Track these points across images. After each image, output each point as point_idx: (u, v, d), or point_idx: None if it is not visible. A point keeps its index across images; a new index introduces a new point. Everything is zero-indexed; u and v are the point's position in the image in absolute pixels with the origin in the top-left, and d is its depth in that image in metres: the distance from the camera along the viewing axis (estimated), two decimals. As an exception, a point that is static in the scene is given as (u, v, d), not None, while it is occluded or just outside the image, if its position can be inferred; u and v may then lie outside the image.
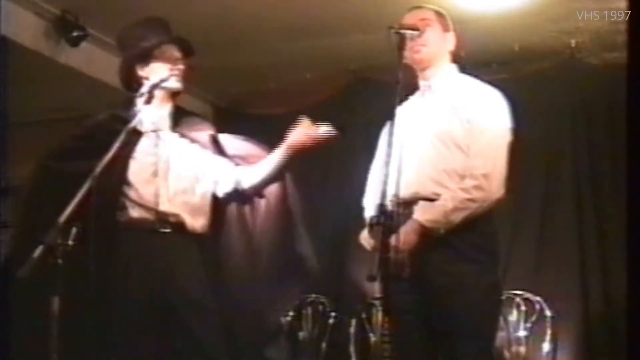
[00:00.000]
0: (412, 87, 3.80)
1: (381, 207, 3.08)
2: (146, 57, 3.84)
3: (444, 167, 3.55)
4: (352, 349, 6.53)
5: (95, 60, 6.10)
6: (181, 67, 3.85)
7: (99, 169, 3.25)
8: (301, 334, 6.85)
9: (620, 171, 5.92)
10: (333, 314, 6.75)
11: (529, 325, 6.07)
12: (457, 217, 3.45)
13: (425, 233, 3.46)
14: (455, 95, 3.66)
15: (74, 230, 3.04)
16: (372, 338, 6.43)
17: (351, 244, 6.63)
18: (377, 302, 6.23)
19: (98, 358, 3.53)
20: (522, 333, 6.07)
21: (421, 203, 3.54)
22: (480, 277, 3.52)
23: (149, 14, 4.00)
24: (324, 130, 3.74)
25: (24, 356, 3.62)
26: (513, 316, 6.08)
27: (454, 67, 3.82)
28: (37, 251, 2.96)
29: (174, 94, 3.89)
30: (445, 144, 3.56)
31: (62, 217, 3.05)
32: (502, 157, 3.58)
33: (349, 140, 7.11)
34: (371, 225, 3.21)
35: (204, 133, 3.97)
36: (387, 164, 3.19)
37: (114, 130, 3.59)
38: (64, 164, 3.73)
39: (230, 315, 3.81)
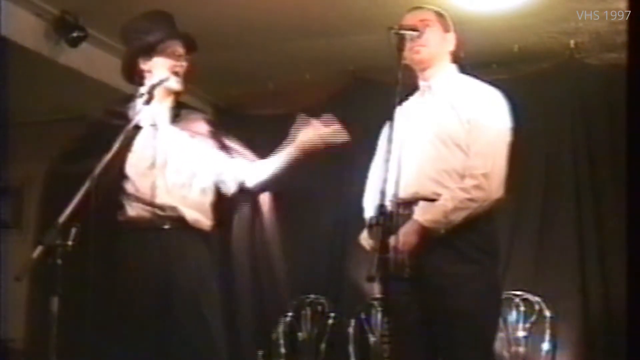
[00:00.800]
0: (412, 88, 3.80)
1: (380, 207, 3.09)
2: (149, 51, 3.84)
3: (444, 167, 3.55)
4: (351, 349, 6.52)
5: (94, 60, 6.10)
6: (184, 63, 3.86)
7: (97, 170, 3.25)
8: (300, 335, 6.84)
9: (620, 171, 5.92)
10: (332, 314, 6.75)
11: (528, 325, 6.07)
12: (457, 217, 3.46)
13: (426, 233, 3.47)
14: (455, 95, 3.66)
15: (73, 230, 3.04)
16: (371, 338, 6.43)
17: (350, 244, 6.64)
18: (376, 303, 6.23)
19: (98, 357, 3.54)
20: (521, 333, 6.06)
21: (421, 203, 3.54)
22: (480, 277, 3.52)
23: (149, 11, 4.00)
24: (333, 130, 3.75)
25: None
26: (512, 316, 6.08)
27: (454, 67, 3.83)
28: (36, 251, 2.97)
29: (174, 90, 3.89)
30: (445, 144, 3.57)
31: (62, 218, 3.05)
32: (502, 157, 3.58)
33: (349, 141, 7.14)
34: (370, 226, 3.21)
35: (205, 128, 3.97)
36: (386, 164, 3.19)
37: (112, 125, 3.62)
38: (70, 166, 3.73)
39: (232, 314, 3.83)
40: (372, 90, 6.61)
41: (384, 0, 5.34)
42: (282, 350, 6.78)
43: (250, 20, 5.99)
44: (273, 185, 3.97)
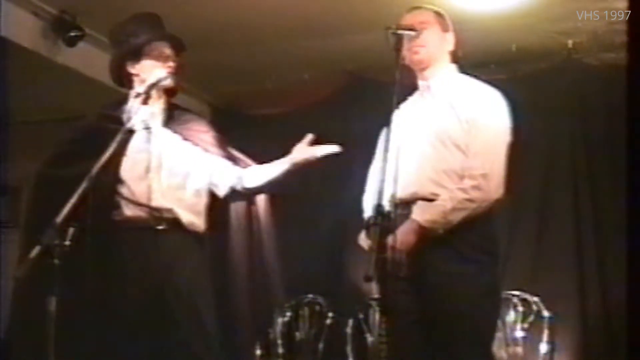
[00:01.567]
0: (411, 88, 3.80)
1: (378, 207, 3.08)
2: (137, 54, 3.83)
3: (443, 167, 3.55)
4: (349, 349, 6.52)
5: (92, 60, 6.09)
6: (172, 64, 3.84)
7: (95, 169, 3.26)
8: (298, 335, 6.84)
9: (618, 171, 5.92)
10: (330, 314, 6.75)
11: (526, 325, 6.07)
12: (456, 217, 3.45)
13: (424, 233, 3.47)
14: (454, 95, 3.65)
15: (71, 230, 3.04)
16: (369, 338, 6.42)
17: (348, 244, 6.64)
18: (374, 303, 6.22)
19: (95, 357, 3.54)
20: (519, 334, 6.06)
21: (420, 203, 3.54)
22: (479, 277, 3.52)
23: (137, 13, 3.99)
24: (326, 149, 3.76)
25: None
26: (510, 317, 6.07)
27: (453, 67, 3.82)
28: (34, 251, 2.97)
29: (168, 92, 3.88)
30: (444, 144, 3.56)
31: (59, 218, 3.05)
32: (501, 157, 3.58)
33: (347, 141, 7.14)
34: (368, 226, 3.21)
35: (198, 130, 3.97)
36: (384, 164, 3.19)
37: (104, 129, 3.63)
38: (61, 170, 3.74)
39: (229, 314, 3.83)
40: (370, 90, 6.60)
41: (381, 0, 5.34)
42: (280, 350, 6.78)
43: (249, 20, 5.99)
44: (265, 191, 3.96)
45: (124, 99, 3.86)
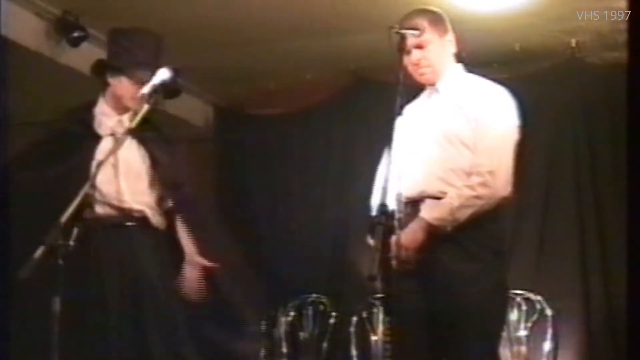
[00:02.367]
0: (414, 87, 3.78)
1: (382, 206, 3.09)
2: (119, 71, 3.88)
3: (451, 166, 3.54)
4: (352, 348, 6.52)
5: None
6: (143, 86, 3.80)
7: (94, 169, 3.33)
8: (302, 334, 6.85)
9: (621, 170, 5.91)
10: (334, 313, 6.75)
11: (529, 324, 6.07)
12: (463, 214, 3.45)
13: (432, 231, 3.47)
14: (461, 95, 3.64)
15: (75, 230, 3.07)
16: (373, 337, 6.43)
17: (352, 243, 6.66)
18: (378, 302, 6.23)
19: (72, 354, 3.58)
20: (522, 332, 6.07)
21: (428, 201, 3.53)
22: (486, 276, 3.51)
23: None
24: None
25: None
26: (514, 316, 6.08)
27: (459, 67, 3.80)
28: (38, 251, 2.98)
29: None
30: (452, 143, 3.55)
31: (63, 218, 3.07)
32: (508, 154, 3.57)
33: (350, 140, 7.15)
34: (372, 225, 3.21)
35: (161, 147, 4.02)
36: (389, 164, 3.19)
37: (71, 132, 3.71)
38: (27, 172, 3.81)
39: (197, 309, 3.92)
40: (373, 90, 6.62)
41: (384, 0, 5.34)
42: (284, 349, 6.80)
43: (251, 20, 5.99)
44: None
45: (93, 103, 3.92)
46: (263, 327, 6.66)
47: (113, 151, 3.57)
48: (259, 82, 7.14)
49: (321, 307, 6.85)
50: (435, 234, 3.47)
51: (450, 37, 3.76)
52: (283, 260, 6.95)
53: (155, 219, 3.91)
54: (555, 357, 6.01)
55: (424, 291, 3.53)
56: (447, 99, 3.67)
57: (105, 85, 3.93)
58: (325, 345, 6.70)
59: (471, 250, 3.51)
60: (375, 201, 3.82)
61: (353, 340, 6.53)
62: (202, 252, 3.89)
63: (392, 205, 3.18)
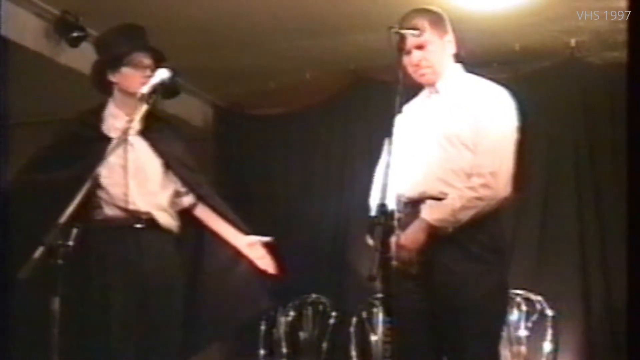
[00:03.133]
0: (414, 87, 3.78)
1: (381, 206, 3.08)
2: (117, 63, 3.94)
3: (451, 166, 3.54)
4: (352, 348, 6.52)
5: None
6: (150, 73, 3.89)
7: (97, 169, 3.33)
8: (302, 334, 6.85)
9: (621, 169, 5.91)
10: (334, 313, 6.75)
11: (529, 325, 6.07)
12: (465, 215, 3.45)
13: (433, 232, 3.47)
14: (461, 95, 3.64)
15: (74, 230, 3.07)
16: (373, 338, 6.43)
17: (351, 243, 6.66)
18: (377, 302, 6.23)
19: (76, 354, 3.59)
20: (523, 333, 6.06)
21: (429, 202, 3.53)
22: (487, 276, 3.52)
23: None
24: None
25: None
26: (514, 316, 6.07)
27: (459, 67, 3.80)
28: (38, 252, 2.99)
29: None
30: (452, 144, 3.55)
31: (63, 218, 3.08)
32: (509, 155, 3.57)
33: (350, 140, 7.15)
34: (372, 225, 3.20)
35: (170, 142, 4.08)
36: (388, 164, 3.19)
37: (81, 135, 3.75)
38: (39, 175, 3.84)
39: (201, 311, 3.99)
40: (373, 90, 6.61)
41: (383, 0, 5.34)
42: (284, 349, 6.80)
43: (251, 20, 5.99)
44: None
45: (102, 106, 3.95)
46: (262, 327, 6.69)
47: (112, 151, 3.57)
48: (258, 81, 7.14)
49: (321, 307, 6.85)
50: (436, 235, 3.48)
51: (450, 37, 3.75)
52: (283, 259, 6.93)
53: (164, 220, 3.94)
54: (555, 357, 6.01)
55: (425, 291, 3.54)
56: (447, 99, 3.67)
57: (110, 86, 3.97)
58: (325, 345, 6.70)
59: (472, 251, 3.51)
60: (374, 201, 3.82)
61: (353, 340, 6.53)
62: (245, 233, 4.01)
63: (391, 205, 3.18)
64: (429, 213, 3.51)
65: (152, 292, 3.80)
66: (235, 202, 7.33)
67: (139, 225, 3.85)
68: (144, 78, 3.84)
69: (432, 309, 3.53)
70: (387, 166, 3.18)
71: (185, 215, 4.08)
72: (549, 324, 6.01)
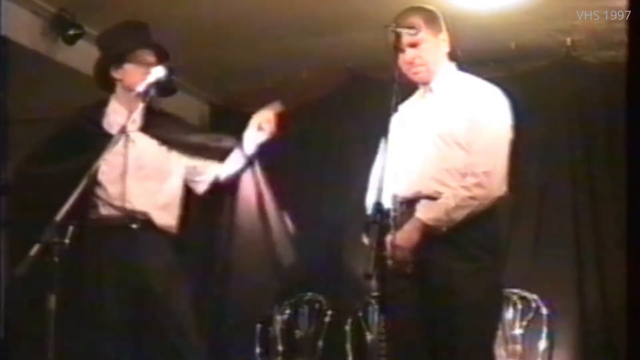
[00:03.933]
0: (409, 85, 3.78)
1: (377, 205, 3.09)
2: (120, 60, 3.94)
3: (446, 166, 3.54)
4: (348, 347, 6.53)
5: (91, 58, 6.06)
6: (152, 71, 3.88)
7: (94, 168, 3.32)
8: (297, 333, 6.85)
9: (616, 168, 5.93)
10: (329, 312, 6.75)
11: (525, 323, 6.08)
12: (459, 215, 3.45)
13: (428, 231, 3.47)
14: (455, 94, 3.64)
15: (70, 228, 3.07)
16: (369, 336, 6.43)
17: (347, 242, 6.66)
18: (373, 300, 6.23)
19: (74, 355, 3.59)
20: (518, 331, 6.07)
21: (423, 201, 3.53)
22: (481, 276, 3.51)
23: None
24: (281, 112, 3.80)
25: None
26: (509, 314, 6.08)
27: (452, 66, 3.80)
28: (34, 249, 2.98)
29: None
30: (446, 143, 3.55)
31: (59, 216, 3.07)
32: (503, 154, 3.57)
33: (346, 138, 7.15)
34: (367, 224, 3.20)
35: (175, 132, 4.06)
36: (384, 162, 3.20)
37: (82, 130, 3.73)
38: (39, 168, 3.83)
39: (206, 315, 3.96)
40: (369, 88, 6.62)
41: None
42: (280, 347, 6.80)
43: (247, 18, 5.99)
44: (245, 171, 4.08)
45: (104, 102, 3.94)
46: (258, 326, 6.68)
47: (110, 148, 3.55)
48: (254, 79, 7.13)
49: (317, 306, 6.85)
50: (430, 234, 3.47)
51: (444, 36, 3.76)
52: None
53: (162, 220, 3.91)
54: (550, 356, 6.02)
55: (420, 291, 3.53)
56: (441, 98, 3.67)
57: (113, 82, 3.97)
58: (320, 343, 6.70)
59: (467, 250, 3.50)
60: (370, 200, 3.83)
61: (348, 339, 6.54)
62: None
63: (387, 204, 3.18)
64: (423, 212, 3.51)
65: (148, 293, 3.79)
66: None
67: (134, 226, 3.84)
68: (147, 75, 3.83)
69: (427, 308, 3.53)
70: (383, 165, 3.19)
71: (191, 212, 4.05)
72: (544, 322, 6.02)
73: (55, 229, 3.06)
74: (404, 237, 3.45)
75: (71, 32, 5.84)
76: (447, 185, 3.51)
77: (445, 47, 3.76)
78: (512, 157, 3.62)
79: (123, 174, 3.81)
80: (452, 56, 3.80)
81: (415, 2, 3.81)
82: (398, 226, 3.49)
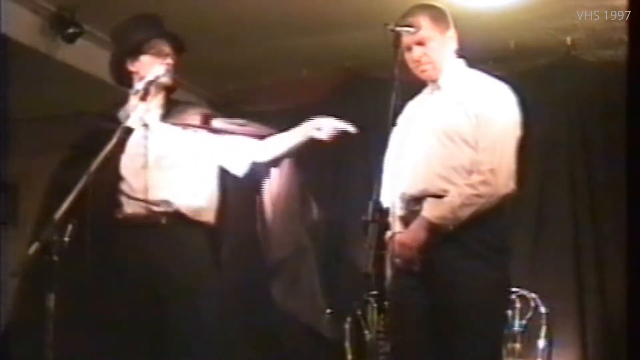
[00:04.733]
0: (412, 84, 3.77)
1: (376, 203, 3.09)
2: (135, 52, 3.86)
3: (452, 163, 3.53)
4: (347, 345, 6.52)
5: (91, 57, 6.09)
6: (170, 61, 3.85)
7: (93, 166, 3.28)
8: (297, 331, 6.84)
9: (616, 167, 5.93)
10: (328, 310, 6.74)
11: (524, 322, 6.07)
12: (465, 212, 3.44)
13: (434, 229, 3.46)
14: (462, 91, 3.63)
15: (69, 227, 3.05)
16: (368, 335, 6.43)
17: (347, 240, 6.66)
18: (372, 299, 6.23)
19: (94, 355, 3.55)
20: (517, 330, 6.06)
21: (429, 200, 3.52)
22: (488, 274, 3.49)
23: (145, 10, 4.01)
24: (344, 127, 3.71)
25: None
26: (508, 313, 6.07)
27: (461, 63, 3.79)
28: (33, 248, 2.98)
29: (166, 87, 3.90)
30: (453, 140, 3.54)
31: (58, 214, 3.06)
32: (509, 152, 3.56)
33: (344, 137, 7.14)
34: (367, 222, 3.20)
35: (198, 119, 3.97)
36: (384, 162, 3.20)
37: (104, 130, 3.66)
38: (68, 173, 3.76)
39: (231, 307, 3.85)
40: (369, 87, 6.61)
41: (380, -4, 5.34)
42: (279, 346, 6.78)
43: (247, 16, 5.99)
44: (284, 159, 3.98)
45: (123, 99, 3.89)
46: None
47: (116, 145, 3.50)
48: (253, 78, 7.14)
49: (316, 304, 6.83)
50: (437, 233, 3.47)
51: (451, 33, 3.76)
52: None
53: (191, 211, 3.76)
54: (549, 355, 6.01)
55: (427, 289, 3.52)
56: (449, 95, 3.66)
57: (129, 76, 3.89)
58: (319, 342, 6.69)
59: (473, 249, 3.49)
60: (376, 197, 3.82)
61: (347, 337, 6.53)
62: None
63: (386, 202, 3.18)
64: (429, 210, 3.50)
65: (175, 293, 3.66)
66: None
67: (162, 222, 3.71)
68: (163, 66, 3.80)
69: (433, 307, 3.52)
70: (383, 165, 3.19)
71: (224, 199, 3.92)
72: (543, 321, 6.01)
73: (55, 227, 3.03)
74: (410, 235, 3.45)
75: (70, 30, 5.84)
76: (453, 183, 3.50)
77: (453, 44, 3.76)
78: (519, 154, 3.61)
79: (144, 166, 3.73)
80: (461, 53, 3.80)
81: (416, 0, 3.81)
82: (407, 224, 3.50)
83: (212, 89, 7.59)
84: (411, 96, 3.80)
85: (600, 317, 6.12)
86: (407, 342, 3.49)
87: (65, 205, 3.10)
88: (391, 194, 3.55)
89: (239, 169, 3.91)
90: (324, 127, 3.74)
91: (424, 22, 3.66)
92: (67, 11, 5.80)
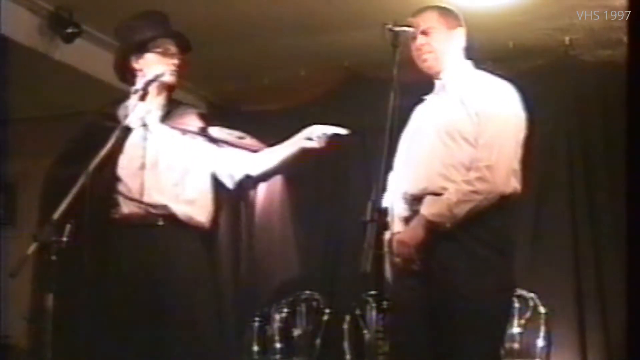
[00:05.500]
0: (411, 84, 3.76)
1: (375, 203, 3.08)
2: (141, 50, 3.83)
3: (452, 161, 3.51)
4: (346, 345, 6.53)
5: (89, 56, 6.09)
6: (176, 61, 3.84)
7: (92, 166, 3.27)
8: (295, 331, 6.85)
9: (614, 166, 5.93)
10: (327, 310, 6.76)
11: (523, 322, 6.07)
12: (462, 210, 3.41)
13: (432, 228, 3.44)
14: (465, 90, 3.62)
15: (68, 227, 3.05)
16: (366, 334, 6.43)
17: (345, 240, 6.66)
18: (370, 299, 6.24)
19: (91, 354, 3.54)
20: (516, 330, 6.07)
21: (428, 198, 3.51)
22: (487, 274, 3.46)
23: (144, 10, 4.00)
24: (340, 133, 3.70)
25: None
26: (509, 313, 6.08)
27: (468, 63, 3.79)
28: (31, 248, 2.97)
29: (167, 88, 3.88)
30: (454, 139, 3.52)
31: (56, 214, 3.06)
32: (508, 149, 3.53)
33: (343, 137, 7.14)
34: (366, 222, 3.19)
35: (197, 124, 3.94)
36: (385, 161, 3.20)
37: (103, 128, 3.63)
38: (65, 169, 3.74)
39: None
40: (367, 87, 6.61)
41: (379, -4, 5.34)
42: (277, 345, 6.79)
43: (245, 16, 5.99)
44: (273, 175, 3.95)
45: (124, 97, 3.87)
46: (256, 324, 6.68)
47: (115, 144, 3.50)
48: (252, 78, 7.14)
49: (314, 304, 6.85)
50: (435, 231, 3.44)
51: (459, 31, 3.78)
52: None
53: (186, 215, 3.75)
54: (548, 355, 6.02)
55: (425, 288, 3.51)
56: (452, 94, 3.65)
57: (133, 73, 3.86)
58: (318, 341, 6.70)
59: (473, 249, 3.46)
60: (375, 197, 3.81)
61: (346, 337, 6.54)
62: None
63: (386, 202, 3.18)
64: (427, 208, 3.49)
65: (171, 293, 3.65)
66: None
67: (158, 224, 3.70)
68: (169, 65, 3.79)
69: (432, 307, 3.50)
70: (382, 164, 3.19)
71: (219, 204, 3.91)
72: (542, 320, 6.02)
73: (53, 227, 3.03)
74: (408, 233, 3.45)
75: (69, 30, 5.84)
76: (452, 181, 3.48)
77: (460, 42, 3.78)
78: (525, 153, 3.60)
79: (141, 167, 3.71)
80: (470, 53, 3.80)
81: (416, 0, 3.83)
82: (408, 223, 3.50)
83: (210, 89, 7.60)
84: (411, 96, 3.79)
85: (599, 317, 6.12)
86: (406, 342, 3.48)
87: (63, 205, 3.10)
88: (392, 194, 3.56)
89: (231, 181, 3.91)
90: (313, 136, 3.74)
91: (432, 16, 3.72)
92: (65, 11, 5.80)
